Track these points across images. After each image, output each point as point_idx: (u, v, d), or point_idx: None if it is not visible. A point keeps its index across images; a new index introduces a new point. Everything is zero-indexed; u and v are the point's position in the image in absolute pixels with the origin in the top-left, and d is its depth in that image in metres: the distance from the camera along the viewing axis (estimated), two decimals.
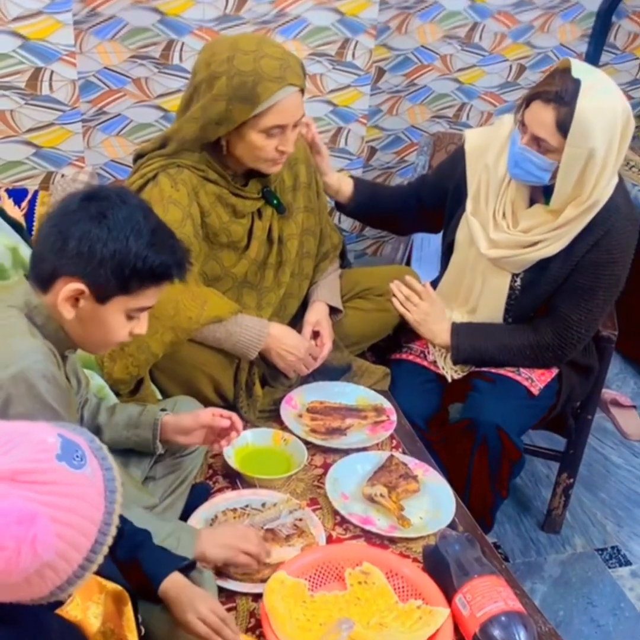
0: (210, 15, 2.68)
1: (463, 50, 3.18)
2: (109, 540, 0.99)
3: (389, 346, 2.31)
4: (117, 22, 2.60)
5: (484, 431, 2.04)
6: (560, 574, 2.38)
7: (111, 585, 1.18)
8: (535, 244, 2.02)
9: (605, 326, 2.23)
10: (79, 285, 1.32)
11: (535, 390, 2.13)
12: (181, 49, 2.70)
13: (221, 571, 1.60)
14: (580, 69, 1.87)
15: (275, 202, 2.04)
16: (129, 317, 1.39)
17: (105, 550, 0.99)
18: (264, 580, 1.56)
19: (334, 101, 2.96)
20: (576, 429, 2.35)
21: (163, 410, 1.73)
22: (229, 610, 1.55)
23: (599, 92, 1.85)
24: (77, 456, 0.97)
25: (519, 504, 2.61)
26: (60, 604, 1.07)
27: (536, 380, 2.15)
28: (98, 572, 1.10)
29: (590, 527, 2.55)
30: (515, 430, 2.07)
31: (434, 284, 2.27)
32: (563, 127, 1.85)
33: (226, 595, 1.57)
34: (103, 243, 1.31)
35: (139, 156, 2.00)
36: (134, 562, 1.34)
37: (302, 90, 1.87)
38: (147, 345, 1.86)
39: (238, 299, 2.04)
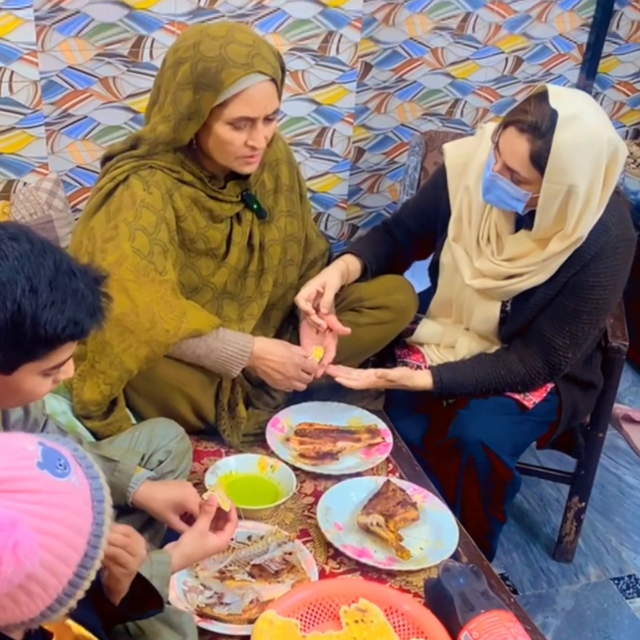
0: (182, 9, 2.69)
1: (455, 42, 3.19)
2: (100, 554, 0.99)
3: (383, 361, 2.30)
4: (82, 18, 2.60)
5: (469, 450, 2.04)
6: (573, 606, 2.37)
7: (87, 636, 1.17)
8: (520, 274, 2.03)
9: (615, 336, 2.23)
10: None
11: (529, 404, 2.13)
12: (151, 46, 2.70)
13: (203, 612, 1.59)
14: (558, 97, 1.84)
15: (255, 206, 2.04)
16: (46, 375, 1.30)
17: (97, 564, 0.99)
18: (251, 621, 1.54)
19: (317, 99, 2.97)
20: (586, 448, 2.35)
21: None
22: None
23: (579, 125, 1.82)
24: (60, 464, 0.98)
25: (527, 531, 2.61)
26: None
27: (530, 394, 2.15)
28: (80, 622, 1.11)
29: (604, 555, 2.55)
30: (506, 449, 2.07)
31: (426, 294, 2.28)
32: (538, 161, 1.84)
33: (210, 638, 1.55)
34: None
35: (107, 158, 2.00)
36: None
37: (275, 81, 1.85)
38: (120, 360, 1.85)
39: (218, 312, 2.04)
